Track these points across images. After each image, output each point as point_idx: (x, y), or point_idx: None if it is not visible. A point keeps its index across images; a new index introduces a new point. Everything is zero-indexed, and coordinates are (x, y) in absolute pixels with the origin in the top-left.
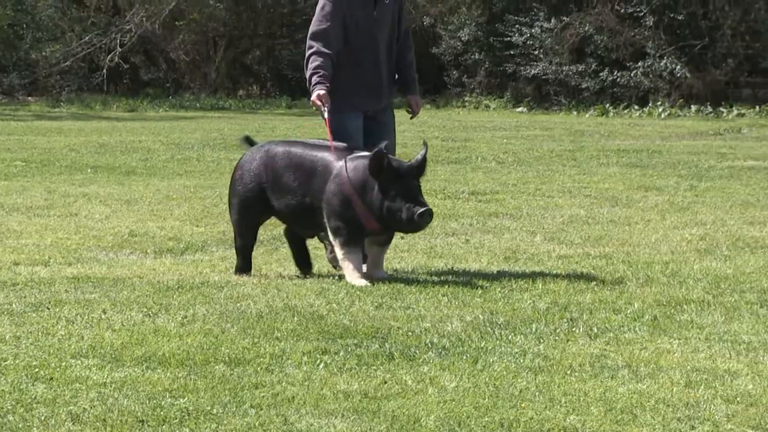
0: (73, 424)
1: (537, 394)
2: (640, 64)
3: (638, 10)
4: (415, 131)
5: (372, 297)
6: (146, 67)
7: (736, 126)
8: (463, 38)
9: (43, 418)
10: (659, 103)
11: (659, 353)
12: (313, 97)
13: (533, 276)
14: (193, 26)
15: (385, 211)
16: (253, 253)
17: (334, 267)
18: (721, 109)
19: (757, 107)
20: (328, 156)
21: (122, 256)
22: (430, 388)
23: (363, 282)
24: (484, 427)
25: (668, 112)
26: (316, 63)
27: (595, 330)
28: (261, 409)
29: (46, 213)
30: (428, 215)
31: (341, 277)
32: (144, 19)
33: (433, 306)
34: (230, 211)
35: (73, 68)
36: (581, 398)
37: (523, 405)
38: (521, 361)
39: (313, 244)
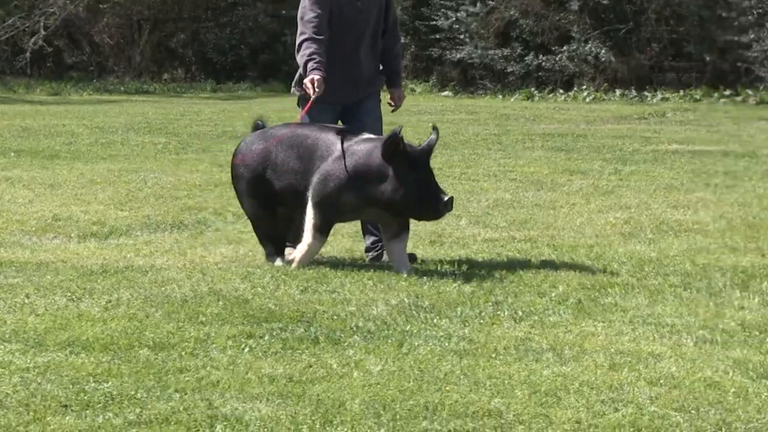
0: None
1: (462, 377)
2: (565, 48)
3: None
4: None
5: (297, 281)
6: (70, 50)
7: (661, 110)
8: None
9: None
10: (584, 87)
11: (583, 336)
12: (307, 79)
13: (458, 260)
14: (117, 9)
15: (401, 198)
16: (177, 237)
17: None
18: (646, 93)
19: (681, 91)
20: (332, 136)
21: (46, 241)
22: (355, 371)
23: (299, 269)
24: (409, 410)
25: (593, 96)
26: (311, 49)
27: (520, 313)
28: (185, 394)
29: None
30: (451, 204)
31: (390, 267)
32: (68, 2)
33: (358, 290)
34: (241, 201)
35: None
36: (506, 381)
37: (447, 388)
38: (446, 344)
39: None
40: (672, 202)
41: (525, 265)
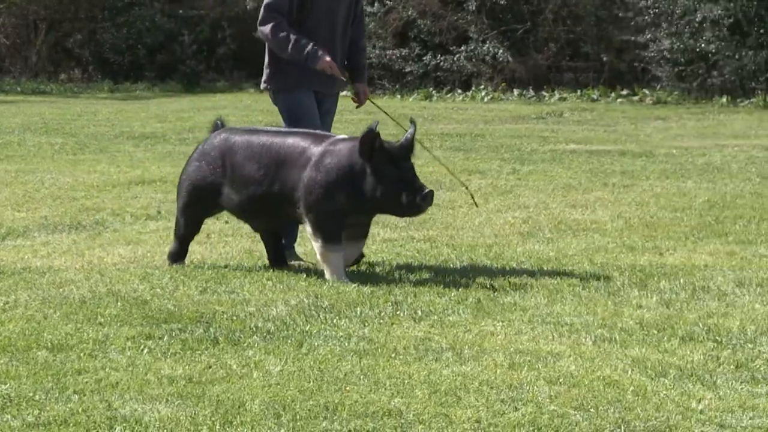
0: None
1: (361, 377)
2: (463, 48)
3: None
4: (240, 115)
5: (196, 282)
6: None
7: (558, 110)
8: None
9: None
10: (482, 87)
11: (483, 335)
12: (324, 65)
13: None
14: (13, 9)
15: (381, 196)
16: (75, 238)
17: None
18: (543, 93)
19: (579, 91)
20: (302, 142)
21: None
22: (254, 372)
23: (347, 281)
24: (308, 410)
25: (491, 96)
26: (286, 32)
27: (420, 313)
28: (84, 395)
29: None
30: (431, 197)
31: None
32: None
33: (257, 290)
34: (178, 195)
35: None
36: (405, 381)
37: (347, 388)
38: (346, 344)
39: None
40: (570, 201)
41: (424, 265)
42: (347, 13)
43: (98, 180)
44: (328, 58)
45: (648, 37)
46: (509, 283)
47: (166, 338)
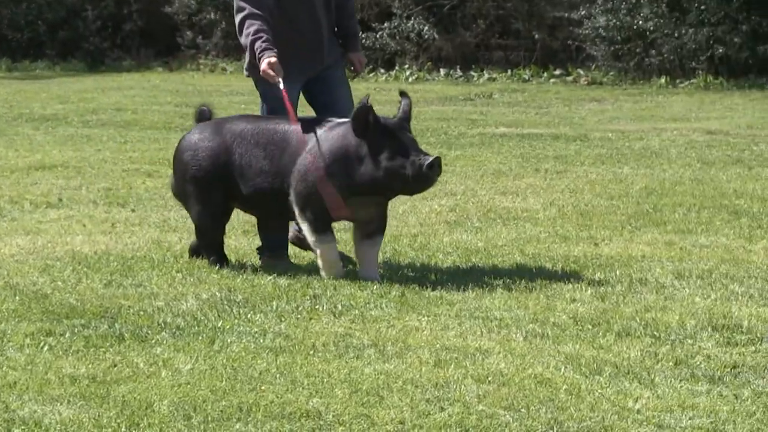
0: None
1: (278, 375)
2: (386, 25)
3: None
4: (147, 96)
5: (100, 274)
6: None
7: (487, 91)
8: None
9: None
10: (406, 66)
11: (407, 331)
12: (264, 66)
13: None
14: None
15: (384, 174)
16: None
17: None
18: (472, 72)
19: (509, 71)
20: (301, 127)
21: None
22: (163, 370)
23: (341, 273)
24: (221, 411)
25: (416, 75)
26: (255, 27)
27: (340, 307)
28: None
29: None
30: (438, 165)
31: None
32: None
33: (166, 283)
34: (186, 203)
35: None
36: (325, 380)
37: (263, 388)
38: (261, 341)
39: None
40: (500, 188)
41: (345, 256)
42: None
43: None
44: (267, 60)
45: (582, 13)
46: (435, 275)
47: (67, 335)
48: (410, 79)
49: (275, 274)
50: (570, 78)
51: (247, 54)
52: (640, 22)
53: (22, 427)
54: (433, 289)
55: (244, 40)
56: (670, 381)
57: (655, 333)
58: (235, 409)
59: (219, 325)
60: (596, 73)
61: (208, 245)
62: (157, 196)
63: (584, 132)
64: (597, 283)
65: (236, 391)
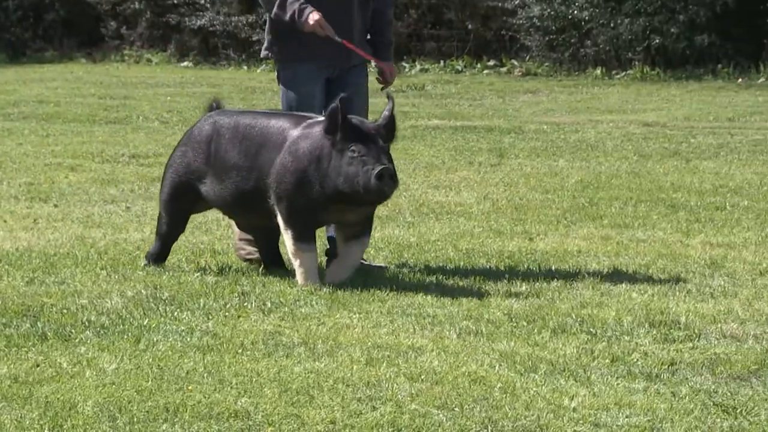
0: None
1: (205, 375)
2: None
3: None
4: (70, 87)
5: (22, 271)
6: None
7: (420, 83)
8: None
9: None
10: None
11: (338, 329)
12: (312, 23)
13: (201, 247)
14: None
15: (342, 180)
16: None
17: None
18: (404, 64)
19: (442, 62)
20: (283, 123)
21: None
22: (87, 370)
23: (317, 284)
24: (147, 412)
25: None
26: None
27: (269, 305)
28: None
29: None
30: (388, 176)
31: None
32: None
33: (90, 281)
34: (162, 186)
35: None
36: (254, 379)
37: (190, 387)
38: (188, 339)
39: None
40: (433, 181)
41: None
42: None
43: None
44: (316, 16)
45: (516, 3)
46: (366, 271)
47: None
48: None
49: (201, 272)
50: (504, 69)
51: (267, 33)
52: (575, 11)
53: None
54: (364, 286)
55: (284, 12)
56: (607, 378)
57: (591, 330)
58: (162, 410)
59: (145, 323)
60: (531, 64)
61: (163, 239)
62: (81, 191)
63: (519, 124)
64: (532, 279)
65: (163, 391)
